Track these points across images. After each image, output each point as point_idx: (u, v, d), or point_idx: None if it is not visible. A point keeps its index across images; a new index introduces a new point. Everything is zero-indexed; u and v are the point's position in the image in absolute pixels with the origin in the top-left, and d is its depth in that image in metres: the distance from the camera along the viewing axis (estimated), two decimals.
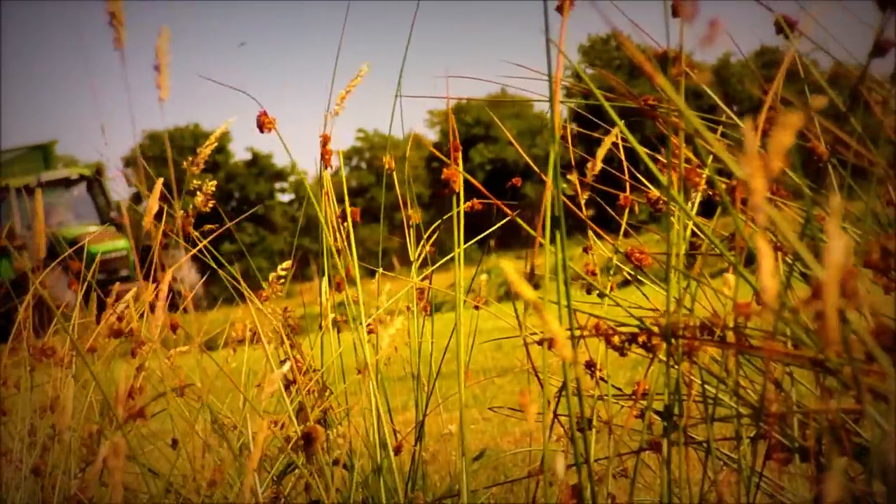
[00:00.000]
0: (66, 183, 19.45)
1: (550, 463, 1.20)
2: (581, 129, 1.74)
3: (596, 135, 1.62)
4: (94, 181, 19.73)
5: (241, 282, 1.99)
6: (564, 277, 1.01)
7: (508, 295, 1.51)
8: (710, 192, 1.35)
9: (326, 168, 1.87)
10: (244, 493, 0.92)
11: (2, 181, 18.98)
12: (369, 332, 1.86)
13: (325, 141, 1.73)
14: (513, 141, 1.68)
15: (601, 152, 1.48)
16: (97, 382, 1.72)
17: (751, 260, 1.18)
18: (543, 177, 1.29)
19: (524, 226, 1.30)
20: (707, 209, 1.51)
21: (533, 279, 1.14)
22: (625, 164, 1.56)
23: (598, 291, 1.52)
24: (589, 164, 1.51)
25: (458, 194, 1.39)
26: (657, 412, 1.30)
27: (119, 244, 18.07)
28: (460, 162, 1.44)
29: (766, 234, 0.60)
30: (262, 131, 1.54)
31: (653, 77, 0.77)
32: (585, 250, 1.62)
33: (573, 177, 1.62)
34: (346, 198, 1.87)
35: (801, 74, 1.37)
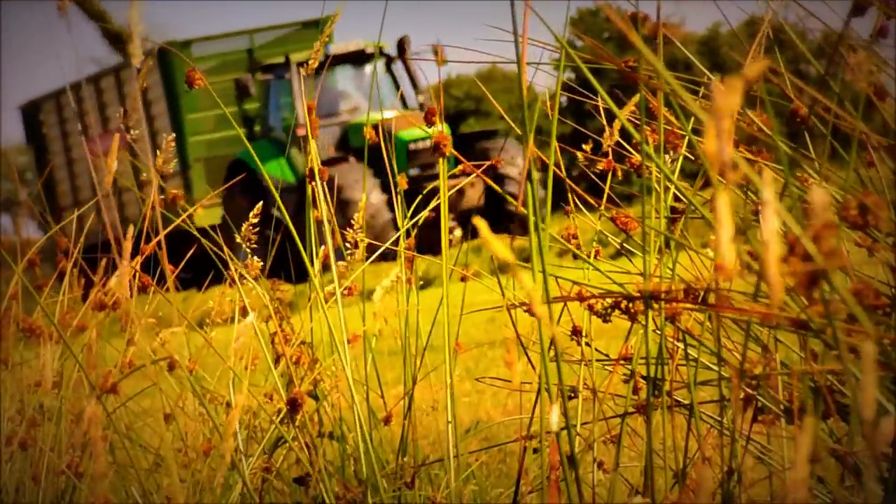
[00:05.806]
0: (361, 59, 15.36)
1: (544, 425, 1.21)
2: (573, 96, 1.73)
3: (591, 101, 1.62)
4: (397, 58, 15.55)
5: (234, 257, 1.98)
6: (538, 240, 1.01)
7: (501, 269, 1.52)
8: (691, 155, 1.35)
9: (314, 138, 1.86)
10: (224, 457, 0.92)
11: (276, 56, 15.47)
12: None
13: (310, 109, 1.72)
14: (504, 115, 1.68)
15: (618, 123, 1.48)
16: (71, 359, 1.72)
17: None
18: (536, 151, 1.29)
19: (504, 195, 1.30)
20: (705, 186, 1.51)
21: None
22: (607, 128, 1.56)
23: (581, 258, 1.52)
24: (606, 134, 1.52)
25: (445, 158, 1.39)
26: (642, 377, 1.31)
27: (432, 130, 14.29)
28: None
29: (726, 200, 0.60)
30: (190, 87, 1.62)
31: (630, 36, 0.77)
32: (567, 214, 1.62)
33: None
34: (316, 158, 1.85)
35: (789, 43, 1.37)
